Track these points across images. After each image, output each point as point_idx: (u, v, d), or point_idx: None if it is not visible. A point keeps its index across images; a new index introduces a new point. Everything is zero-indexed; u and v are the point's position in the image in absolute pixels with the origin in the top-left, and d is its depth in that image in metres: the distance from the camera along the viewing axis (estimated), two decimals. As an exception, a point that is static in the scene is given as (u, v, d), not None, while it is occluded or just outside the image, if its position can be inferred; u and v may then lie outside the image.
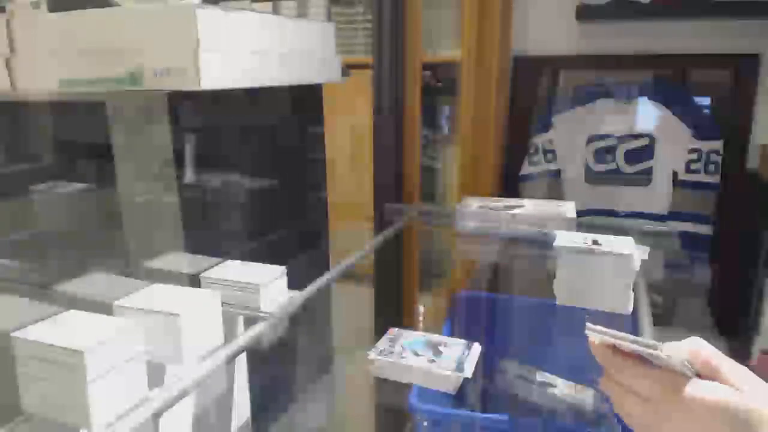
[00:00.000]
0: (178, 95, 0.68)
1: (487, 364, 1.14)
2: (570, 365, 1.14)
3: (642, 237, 0.84)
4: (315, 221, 1.21)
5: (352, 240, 1.09)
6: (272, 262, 0.76)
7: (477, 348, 0.81)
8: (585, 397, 1.08)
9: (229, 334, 0.67)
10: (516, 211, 0.97)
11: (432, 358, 0.78)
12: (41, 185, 0.82)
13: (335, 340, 1.27)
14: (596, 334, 0.48)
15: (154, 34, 0.60)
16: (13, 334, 0.52)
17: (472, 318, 1.34)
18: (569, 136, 1.63)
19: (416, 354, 0.79)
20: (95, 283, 0.76)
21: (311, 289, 0.78)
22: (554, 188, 1.65)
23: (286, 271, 0.75)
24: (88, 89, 0.65)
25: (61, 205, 0.83)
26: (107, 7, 0.64)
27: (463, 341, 0.82)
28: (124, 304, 0.62)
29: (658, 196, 1.56)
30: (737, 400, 0.41)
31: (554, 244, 0.79)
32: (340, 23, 1.79)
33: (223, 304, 0.66)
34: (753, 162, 1.52)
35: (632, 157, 1.58)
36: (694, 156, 1.52)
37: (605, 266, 0.76)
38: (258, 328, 0.67)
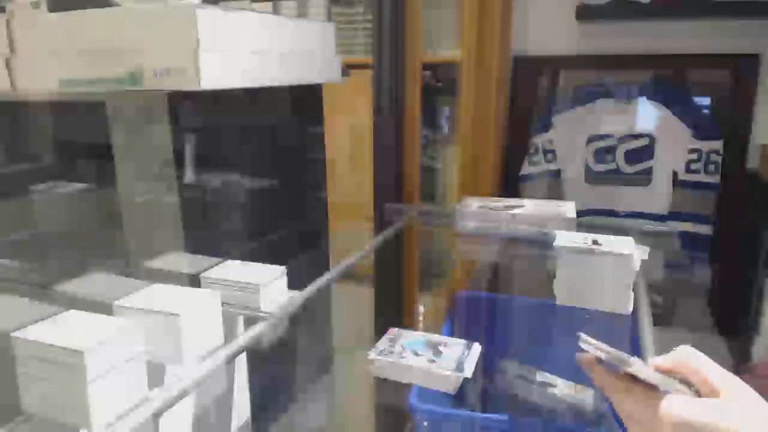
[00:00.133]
0: (178, 95, 0.68)
1: (487, 364, 1.14)
2: (570, 365, 1.14)
3: (642, 237, 0.84)
4: (315, 221, 1.21)
5: (352, 240, 1.09)
6: (272, 262, 0.76)
7: (477, 348, 0.81)
8: (585, 397, 1.08)
9: (229, 334, 0.67)
10: (516, 211, 0.97)
11: (432, 358, 0.78)
12: (41, 185, 0.82)
13: (335, 340, 1.27)
14: (588, 346, 0.48)
15: (154, 34, 0.60)
16: (13, 334, 0.52)
17: (472, 318, 1.34)
18: (569, 136, 1.63)
19: (416, 354, 0.79)
20: (95, 283, 0.76)
21: (311, 289, 0.78)
22: (554, 188, 1.65)
23: (286, 271, 0.75)
24: (88, 89, 0.65)
25: (61, 205, 0.83)
26: (107, 7, 0.64)
27: (463, 341, 0.82)
28: (124, 304, 0.62)
29: (658, 196, 1.56)
30: (695, 415, 0.40)
31: (554, 244, 0.79)
32: (340, 23, 1.79)
33: (223, 304, 0.66)
34: (753, 162, 1.52)
35: (632, 157, 1.58)
36: (694, 156, 1.52)
37: (605, 266, 0.76)
38: (258, 328, 0.67)
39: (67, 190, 0.82)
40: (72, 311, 0.57)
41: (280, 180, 1.08)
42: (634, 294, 0.76)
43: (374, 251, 1.05)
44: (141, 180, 0.81)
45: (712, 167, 1.50)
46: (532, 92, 1.70)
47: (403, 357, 0.79)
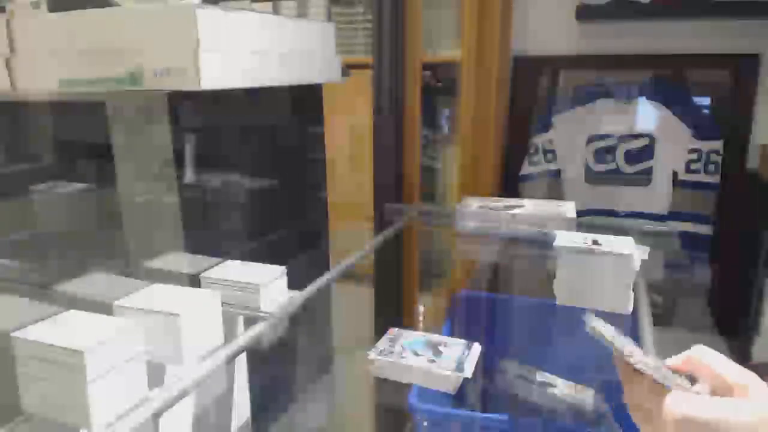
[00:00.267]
0: (178, 95, 0.68)
1: (487, 364, 1.14)
2: (570, 365, 1.14)
3: (642, 237, 0.84)
4: (315, 221, 1.21)
5: (352, 240, 1.09)
6: (272, 262, 0.76)
7: (477, 348, 0.81)
8: (585, 397, 1.08)
9: (229, 334, 0.67)
10: (516, 211, 0.97)
11: (432, 358, 0.78)
12: (41, 185, 0.82)
13: (335, 340, 1.27)
14: (599, 326, 0.48)
15: (154, 34, 0.60)
16: (13, 334, 0.52)
17: (472, 318, 1.34)
18: (569, 136, 1.63)
19: (416, 354, 0.79)
20: (95, 283, 0.76)
21: (311, 289, 0.78)
22: (554, 188, 1.65)
23: (286, 271, 0.75)
24: (88, 89, 0.65)
25: (61, 205, 0.83)
26: (107, 7, 0.64)
27: (463, 341, 0.82)
28: (124, 304, 0.62)
29: (658, 196, 1.56)
30: (698, 412, 0.39)
31: (554, 244, 0.79)
32: (340, 23, 1.79)
33: (223, 304, 0.66)
34: (753, 162, 1.52)
35: (632, 157, 1.58)
36: (694, 156, 1.52)
37: (605, 266, 0.76)
38: (258, 328, 0.67)
39: (67, 190, 0.82)
40: (72, 311, 0.57)
41: (280, 180, 1.08)
42: (634, 294, 0.76)
43: (374, 251, 1.05)
44: (141, 180, 0.81)
45: (712, 167, 1.50)
46: (532, 92, 1.70)
47: (403, 357, 0.79)
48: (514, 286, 1.42)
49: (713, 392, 0.43)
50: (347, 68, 0.94)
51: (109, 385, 0.51)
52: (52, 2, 0.67)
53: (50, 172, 0.83)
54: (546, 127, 1.65)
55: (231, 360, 0.63)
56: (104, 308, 0.60)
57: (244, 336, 0.66)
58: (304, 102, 1.12)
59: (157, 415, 0.52)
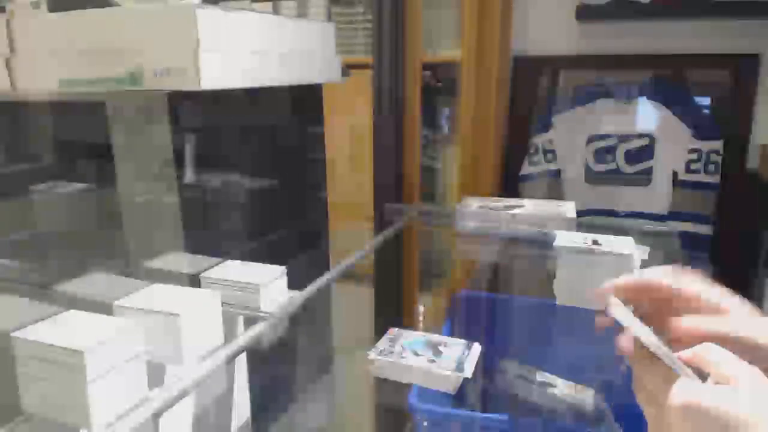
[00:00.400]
0: (178, 95, 0.68)
1: (487, 364, 1.14)
2: (570, 365, 1.14)
3: (642, 237, 0.84)
4: (315, 221, 1.21)
5: (352, 240, 1.09)
6: (272, 262, 0.76)
7: (477, 348, 0.81)
8: (585, 397, 1.08)
9: (229, 334, 0.67)
10: (516, 211, 0.97)
11: (432, 358, 0.78)
12: (41, 185, 0.82)
13: (335, 340, 1.27)
14: (618, 314, 0.48)
15: (154, 34, 0.60)
16: (13, 334, 0.52)
17: (472, 318, 1.34)
18: (569, 136, 1.63)
19: (416, 354, 0.79)
20: (95, 283, 0.76)
21: (311, 289, 0.78)
22: (554, 188, 1.65)
23: (286, 271, 0.75)
24: (88, 89, 0.65)
25: (61, 205, 0.83)
26: (107, 7, 0.64)
27: (463, 341, 0.82)
28: (124, 304, 0.62)
29: (658, 196, 1.56)
30: (705, 401, 0.39)
31: (554, 244, 0.79)
32: (340, 23, 1.79)
33: (223, 304, 0.66)
34: (753, 162, 1.52)
35: (632, 157, 1.58)
36: (694, 156, 1.52)
37: (605, 266, 0.76)
38: (258, 328, 0.67)
39: (67, 190, 0.82)
40: (72, 311, 0.57)
41: (280, 180, 1.08)
42: (634, 294, 0.76)
43: (374, 251, 1.05)
44: (141, 180, 0.81)
45: (712, 167, 1.50)
46: (532, 92, 1.70)
47: (403, 357, 0.79)
48: (514, 286, 1.42)
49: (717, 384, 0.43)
50: (347, 68, 0.94)
51: (109, 385, 0.51)
52: (52, 2, 0.67)
53: (50, 172, 0.83)
54: (546, 127, 1.65)
55: (231, 360, 0.63)
56: (104, 308, 0.60)
57: (244, 336, 0.66)
58: (304, 102, 1.12)
59: (157, 415, 0.52)
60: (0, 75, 0.69)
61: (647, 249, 0.78)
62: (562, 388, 1.11)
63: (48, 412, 0.52)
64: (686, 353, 0.45)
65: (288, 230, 1.11)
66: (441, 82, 1.79)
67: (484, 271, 1.45)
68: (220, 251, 0.82)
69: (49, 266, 0.82)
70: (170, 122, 0.81)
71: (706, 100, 1.58)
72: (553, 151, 1.65)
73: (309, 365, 1.21)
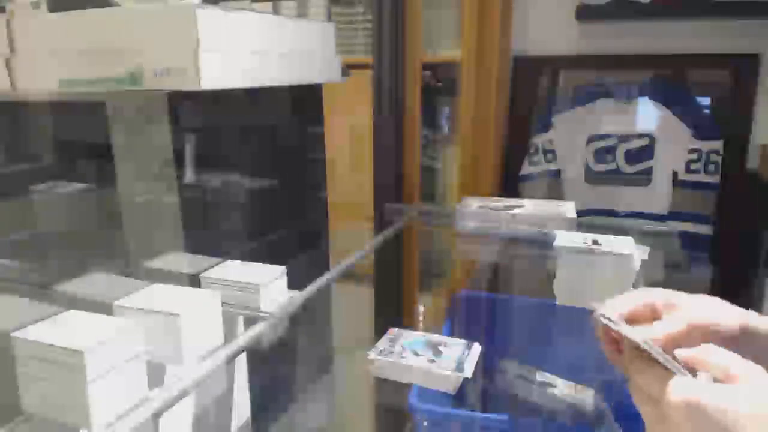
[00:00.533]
0: (178, 95, 0.68)
1: (487, 364, 1.14)
2: (570, 365, 1.14)
3: (642, 237, 0.84)
4: (315, 221, 1.21)
5: (352, 240, 1.09)
6: (272, 262, 0.76)
7: (477, 348, 0.81)
8: (585, 397, 1.08)
9: (229, 334, 0.67)
10: (516, 211, 0.97)
11: (432, 358, 0.78)
12: (41, 185, 0.82)
13: (335, 340, 1.27)
14: (607, 321, 0.48)
15: (154, 34, 0.60)
16: (13, 334, 0.52)
17: (472, 318, 1.34)
18: (569, 136, 1.63)
19: (416, 354, 0.79)
20: (95, 283, 0.76)
21: (311, 289, 0.78)
22: (554, 188, 1.65)
23: (286, 271, 0.75)
24: (88, 89, 0.65)
25: (61, 205, 0.83)
26: (107, 7, 0.64)
27: (463, 341, 0.82)
28: (124, 304, 0.62)
29: (658, 196, 1.56)
30: (707, 399, 0.39)
31: (554, 244, 0.79)
32: (340, 23, 1.79)
33: (223, 304, 0.66)
34: (753, 162, 1.52)
35: (632, 157, 1.58)
36: (694, 156, 1.52)
37: (605, 266, 0.76)
38: (258, 328, 0.67)
39: (67, 190, 0.82)
40: (72, 311, 0.57)
41: (280, 180, 1.08)
42: (634, 294, 0.76)
43: (374, 251, 1.05)
44: (141, 180, 0.81)
45: (712, 167, 1.50)
46: (532, 92, 1.70)
47: (403, 357, 0.79)
48: (514, 286, 1.42)
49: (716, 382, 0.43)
50: (347, 68, 0.94)
51: (109, 385, 0.51)
52: (52, 2, 0.67)
53: (50, 172, 0.83)
54: (546, 127, 1.65)
55: (231, 360, 0.63)
56: (104, 308, 0.60)
57: (244, 336, 0.66)
58: (304, 102, 1.12)
59: (157, 415, 0.52)
60: (0, 75, 0.69)
61: (647, 249, 0.78)
62: (562, 388, 1.11)
63: (48, 412, 0.52)
64: (685, 353, 0.45)
65: (288, 230, 1.11)
66: (441, 82, 1.79)
67: (484, 271, 1.45)
68: (220, 251, 0.82)
69: (49, 266, 0.82)
70: (170, 122, 0.81)
71: (706, 100, 1.58)
72: (553, 151, 1.65)
73: (309, 365, 1.21)
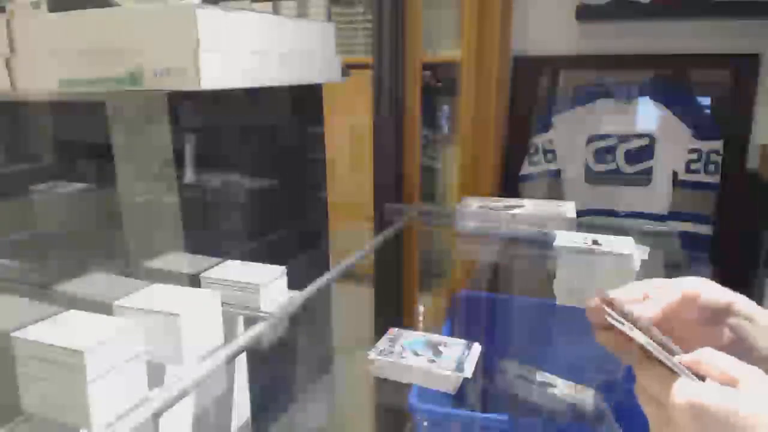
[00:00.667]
0: (178, 95, 0.68)
1: (487, 364, 1.14)
2: (570, 365, 1.14)
3: (642, 237, 0.84)
4: (315, 221, 1.21)
5: (352, 240, 1.09)
6: (272, 262, 0.76)
7: (477, 348, 0.81)
8: (585, 397, 1.08)
9: (229, 334, 0.67)
10: (516, 211, 0.97)
11: (432, 358, 0.78)
12: (41, 185, 0.82)
13: (335, 340, 1.27)
14: (612, 320, 0.48)
15: (154, 34, 0.60)
16: (13, 334, 0.52)
17: (472, 318, 1.34)
18: (569, 136, 1.63)
19: (416, 354, 0.79)
20: (95, 283, 0.76)
21: (311, 289, 0.78)
22: (554, 188, 1.65)
23: (286, 271, 0.75)
24: (88, 89, 0.65)
25: (61, 205, 0.83)
26: (107, 7, 0.64)
27: (463, 341, 0.82)
28: (124, 304, 0.62)
29: (658, 196, 1.56)
30: (713, 401, 0.39)
31: (554, 244, 0.79)
32: (340, 23, 1.79)
33: (223, 304, 0.66)
34: (753, 162, 1.52)
35: (632, 157, 1.58)
36: (694, 156, 1.52)
37: (605, 266, 0.76)
38: (258, 328, 0.67)
39: (67, 190, 0.82)
40: (72, 311, 0.57)
41: (280, 180, 1.08)
42: (634, 294, 0.76)
43: (374, 251, 1.05)
44: (141, 180, 0.81)
45: (712, 167, 1.50)
46: (532, 92, 1.70)
47: (403, 357, 0.79)
48: (514, 286, 1.42)
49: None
50: (347, 68, 0.94)
51: (109, 385, 0.51)
52: (52, 2, 0.67)
53: (50, 172, 0.83)
54: (546, 127, 1.65)
55: (231, 360, 0.63)
56: (104, 308, 0.60)
57: (244, 336, 0.66)
58: (304, 102, 1.12)
59: (157, 415, 0.52)
60: (0, 75, 0.69)
61: (647, 249, 0.78)
62: (562, 388, 1.11)
63: (48, 412, 0.52)
64: (687, 357, 0.45)
65: (288, 230, 1.11)
66: (441, 82, 1.79)
67: (484, 271, 1.45)
68: (220, 251, 0.82)
69: (49, 266, 0.82)
70: (170, 122, 0.81)
71: (706, 100, 1.58)
72: (553, 151, 1.65)
73: (309, 365, 1.21)
